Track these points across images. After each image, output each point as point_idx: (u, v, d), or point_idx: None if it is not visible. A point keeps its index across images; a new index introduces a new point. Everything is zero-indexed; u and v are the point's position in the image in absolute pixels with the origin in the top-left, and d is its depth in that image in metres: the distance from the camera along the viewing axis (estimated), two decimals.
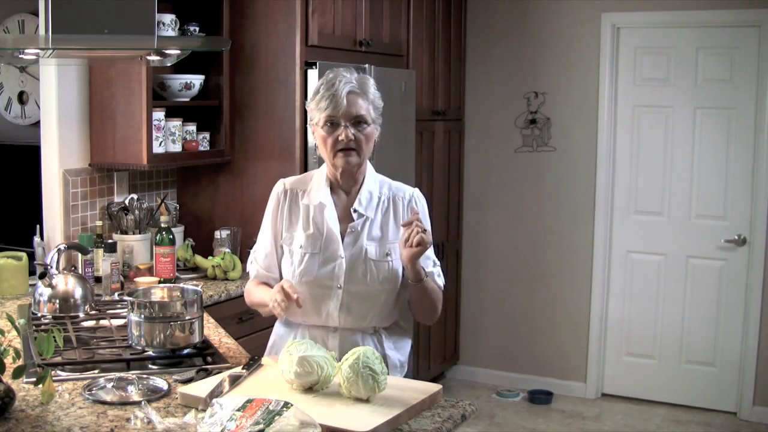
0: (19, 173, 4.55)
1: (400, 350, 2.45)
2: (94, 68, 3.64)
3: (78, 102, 3.65)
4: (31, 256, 3.47)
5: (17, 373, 1.91)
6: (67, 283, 2.83)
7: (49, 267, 2.86)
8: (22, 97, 4.90)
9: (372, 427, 1.79)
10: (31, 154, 3.86)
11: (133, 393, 2.06)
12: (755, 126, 4.73)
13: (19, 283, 3.31)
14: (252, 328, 3.44)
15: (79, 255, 3.36)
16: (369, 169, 2.39)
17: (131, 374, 2.18)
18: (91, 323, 2.75)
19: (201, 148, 3.87)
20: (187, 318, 2.30)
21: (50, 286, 2.81)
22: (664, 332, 5.06)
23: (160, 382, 2.13)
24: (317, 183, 2.38)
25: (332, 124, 2.26)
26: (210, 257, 3.71)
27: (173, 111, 3.75)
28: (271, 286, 2.36)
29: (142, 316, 2.28)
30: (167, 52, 3.01)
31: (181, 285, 2.80)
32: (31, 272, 3.37)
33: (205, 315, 2.68)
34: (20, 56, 2.83)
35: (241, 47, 3.88)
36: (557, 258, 5.26)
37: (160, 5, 2.95)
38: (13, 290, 3.27)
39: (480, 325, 5.53)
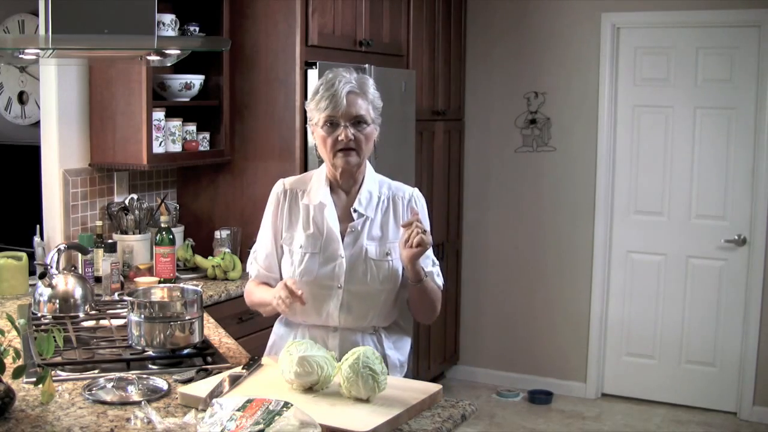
0: (19, 173, 4.55)
1: (399, 350, 2.45)
2: (94, 68, 3.64)
3: (78, 102, 3.65)
4: (31, 256, 3.47)
5: (17, 373, 1.91)
6: (67, 283, 2.83)
7: (49, 267, 2.86)
8: (22, 97, 4.90)
9: (372, 427, 1.79)
10: (31, 154, 3.86)
11: (133, 393, 2.06)
12: (755, 126, 4.73)
13: (19, 283, 3.31)
14: (252, 328, 3.44)
15: (79, 255, 3.36)
16: (368, 169, 2.39)
17: (131, 374, 2.18)
18: (91, 323, 2.75)
19: (201, 148, 3.87)
20: (187, 318, 2.30)
21: (50, 286, 2.81)
22: (664, 332, 5.06)
23: (160, 382, 2.13)
24: (317, 183, 2.38)
25: (332, 124, 2.26)
26: (210, 257, 3.71)
27: (173, 111, 3.75)
28: (271, 286, 2.37)
29: (142, 316, 2.28)
30: (167, 52, 3.01)
31: (181, 285, 2.80)
32: (31, 272, 3.37)
33: (205, 315, 2.69)
34: (20, 56, 2.83)
35: (241, 47, 3.88)
36: (557, 258, 5.26)
37: (160, 5, 2.95)
38: (13, 290, 3.27)
39: (480, 325, 5.53)
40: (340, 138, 2.25)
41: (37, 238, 3.56)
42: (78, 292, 2.84)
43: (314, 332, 2.37)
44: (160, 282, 3.35)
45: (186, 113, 3.83)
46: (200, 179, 4.09)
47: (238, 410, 1.73)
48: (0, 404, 1.87)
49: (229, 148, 3.96)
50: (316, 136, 2.33)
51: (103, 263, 3.30)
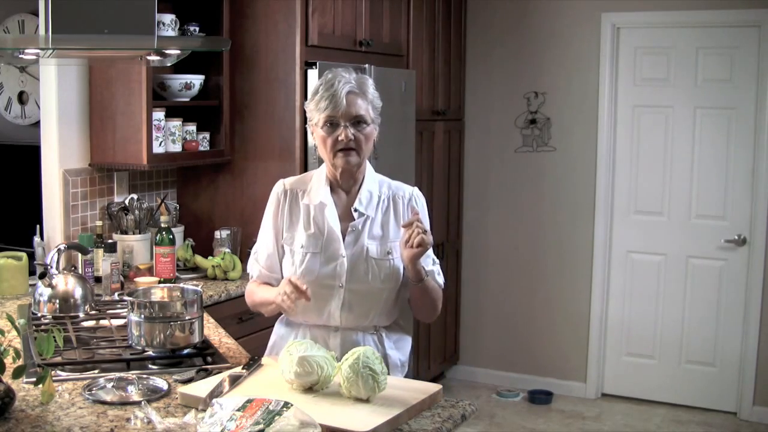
0: (19, 173, 4.55)
1: (400, 350, 2.45)
2: (94, 68, 3.64)
3: (78, 102, 3.65)
4: (31, 256, 3.47)
5: (17, 373, 1.91)
6: (67, 283, 2.83)
7: (49, 267, 2.86)
8: (22, 97, 4.90)
9: (372, 427, 1.79)
10: (31, 154, 3.86)
11: (133, 393, 2.06)
12: (755, 126, 4.73)
13: (19, 283, 3.31)
14: (252, 328, 3.44)
15: (79, 255, 3.36)
16: (368, 168, 2.40)
17: (131, 374, 2.18)
18: (91, 323, 2.75)
19: (201, 148, 3.87)
20: (187, 318, 2.30)
21: (50, 286, 2.81)
22: (664, 332, 5.06)
23: (160, 382, 2.13)
24: (317, 183, 2.39)
25: (332, 124, 2.27)
26: (210, 257, 3.71)
27: (173, 111, 3.75)
28: (273, 287, 2.36)
29: (142, 316, 2.28)
30: (167, 52, 3.01)
31: (181, 285, 2.80)
32: (31, 272, 3.37)
33: (205, 315, 2.68)
34: (20, 56, 2.82)
35: (241, 47, 3.88)
36: (557, 258, 5.26)
37: (160, 5, 2.95)
38: (13, 290, 3.27)
39: (480, 325, 5.53)
40: (340, 138, 2.26)
41: (37, 238, 3.56)
42: (78, 292, 2.84)
43: (315, 332, 2.37)
44: (160, 282, 3.35)
45: (186, 113, 3.83)
46: (200, 179, 4.09)
47: (238, 410, 1.73)
48: (0, 404, 1.87)
49: (229, 148, 3.96)
50: (315, 136, 2.33)
51: (103, 263, 3.29)
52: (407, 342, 2.49)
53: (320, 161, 2.42)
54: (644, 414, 4.96)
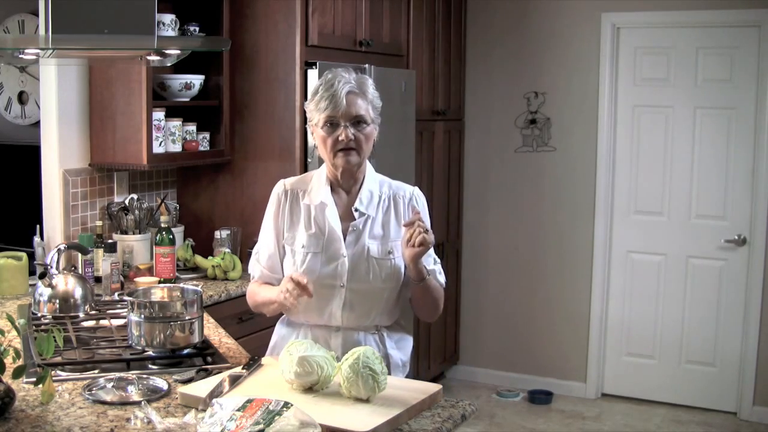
0: (19, 173, 4.55)
1: (402, 350, 2.46)
2: (94, 68, 3.64)
3: (78, 102, 3.65)
4: (31, 256, 3.47)
5: (17, 373, 1.91)
6: (67, 283, 2.83)
7: (49, 267, 2.86)
8: (22, 97, 4.90)
9: (372, 427, 1.79)
10: (31, 154, 3.86)
11: (133, 393, 2.06)
12: (755, 126, 4.73)
13: (19, 283, 3.31)
14: (252, 328, 3.44)
15: (79, 255, 3.36)
16: (369, 168, 2.40)
17: (131, 374, 2.18)
18: (91, 323, 2.75)
19: (201, 148, 3.87)
20: (187, 318, 2.30)
21: (50, 286, 2.81)
22: (664, 332, 5.06)
23: (160, 382, 2.13)
24: (317, 183, 2.39)
25: (332, 124, 2.27)
26: (210, 257, 3.71)
27: (173, 111, 3.75)
28: (275, 286, 2.36)
29: (142, 316, 2.28)
30: (167, 52, 3.01)
31: (181, 285, 2.80)
32: (31, 272, 3.37)
33: (205, 315, 2.68)
34: (20, 56, 2.82)
35: (241, 47, 3.88)
36: (557, 258, 5.26)
37: (160, 5, 2.95)
38: (13, 290, 3.27)
39: (480, 325, 5.53)
40: (340, 138, 2.26)
41: (37, 238, 3.56)
42: (78, 292, 2.84)
43: (316, 332, 2.37)
44: (160, 282, 3.35)
45: (186, 113, 3.83)
46: (200, 179, 4.09)
47: (238, 410, 1.73)
48: (0, 404, 1.87)
49: (229, 148, 3.96)
50: (316, 136, 2.33)
51: (103, 263, 3.29)
52: (408, 342, 2.49)
53: (320, 161, 2.42)
54: (644, 414, 4.96)
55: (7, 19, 4.73)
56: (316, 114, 2.29)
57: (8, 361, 1.91)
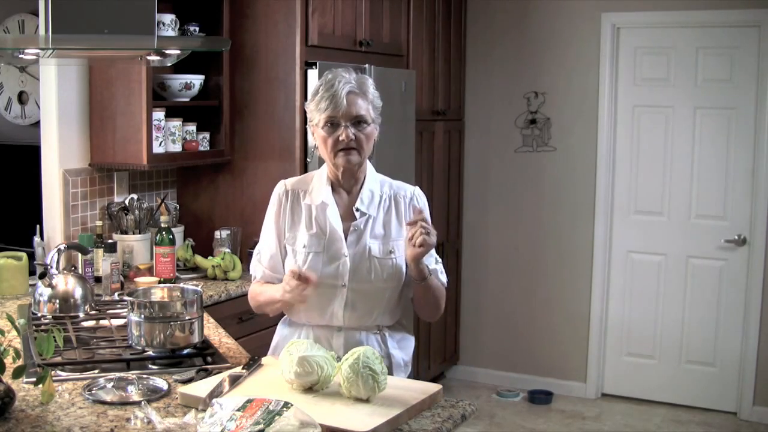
0: (19, 173, 4.55)
1: (404, 350, 2.46)
2: (94, 68, 3.64)
3: (78, 102, 3.65)
4: (31, 256, 3.46)
5: (17, 373, 1.91)
6: (67, 283, 2.83)
7: (49, 267, 2.86)
8: (22, 97, 4.90)
9: (372, 427, 1.79)
10: (31, 154, 3.86)
11: (133, 393, 2.06)
12: (755, 126, 4.73)
13: (19, 283, 3.31)
14: (252, 328, 3.44)
15: (79, 255, 3.36)
16: (369, 168, 2.40)
17: (131, 374, 2.18)
18: (91, 323, 2.75)
19: (201, 148, 3.87)
20: (187, 318, 2.30)
21: (50, 286, 2.81)
22: (664, 332, 5.06)
23: (160, 382, 2.12)
24: (318, 183, 2.39)
25: (332, 124, 2.27)
26: (210, 257, 3.71)
27: (173, 111, 3.75)
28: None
29: (142, 316, 2.28)
30: (167, 52, 3.01)
31: (181, 285, 2.80)
32: (31, 272, 3.37)
33: (205, 315, 2.68)
34: (20, 56, 2.82)
35: (241, 47, 3.88)
36: (557, 258, 5.26)
37: (160, 5, 2.95)
38: (13, 290, 3.27)
39: (480, 325, 5.53)
40: (340, 138, 2.26)
41: (37, 238, 3.55)
42: (78, 292, 2.84)
43: (318, 332, 2.37)
44: (160, 282, 3.35)
45: (186, 113, 3.83)
46: (200, 179, 4.09)
47: (238, 410, 1.73)
48: (0, 404, 1.87)
49: (229, 148, 3.96)
50: (316, 136, 2.33)
51: (103, 263, 3.29)
52: (410, 342, 2.50)
53: (320, 161, 2.42)
54: (644, 414, 4.96)
55: (7, 19, 4.73)
56: (316, 114, 2.29)
57: (8, 361, 1.91)
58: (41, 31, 2.73)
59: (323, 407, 1.91)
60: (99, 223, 3.58)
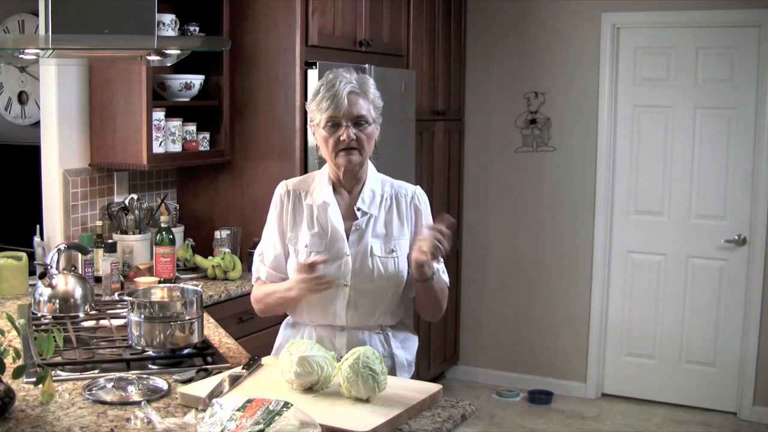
0: (19, 173, 4.55)
1: (407, 350, 2.46)
2: (94, 68, 3.64)
3: (78, 102, 3.65)
4: (31, 256, 3.46)
5: (17, 373, 1.91)
6: (67, 283, 2.83)
7: (49, 267, 2.86)
8: (22, 97, 4.90)
9: (372, 427, 1.79)
10: (31, 154, 3.86)
11: (133, 393, 2.06)
12: (755, 126, 4.73)
13: (19, 283, 3.31)
14: (252, 328, 3.44)
15: (79, 255, 3.36)
16: (370, 168, 2.40)
17: (131, 374, 2.18)
18: (91, 323, 2.75)
19: (201, 148, 3.87)
20: (187, 318, 2.30)
21: (50, 286, 2.81)
22: (664, 332, 5.06)
23: (160, 382, 2.12)
24: (319, 183, 2.39)
25: (333, 124, 2.27)
26: (210, 257, 3.70)
27: (173, 111, 3.75)
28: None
29: (142, 316, 2.28)
30: (167, 52, 3.01)
31: (181, 285, 2.80)
32: (31, 272, 3.37)
33: (205, 315, 2.68)
34: (20, 56, 2.83)
35: (241, 47, 3.88)
36: (557, 258, 5.26)
37: (160, 5, 2.96)
38: (13, 290, 3.27)
39: (480, 325, 5.53)
40: (342, 138, 2.26)
41: (37, 238, 3.55)
42: (78, 292, 2.84)
43: (321, 332, 2.37)
44: (160, 282, 3.35)
45: (186, 113, 3.83)
46: (200, 179, 4.09)
47: (238, 410, 1.73)
48: (0, 404, 1.87)
49: (229, 148, 3.96)
50: (317, 136, 2.33)
51: (103, 263, 3.29)
52: (414, 342, 2.50)
53: (320, 162, 2.42)
54: (644, 414, 4.96)
55: (7, 19, 4.73)
56: (317, 114, 2.29)
57: (8, 361, 1.91)
58: (41, 31, 2.73)
59: (323, 407, 1.91)
60: (99, 223, 3.58)
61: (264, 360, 2.26)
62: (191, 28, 3.71)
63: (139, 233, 3.68)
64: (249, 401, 1.76)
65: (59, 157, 3.57)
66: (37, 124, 3.93)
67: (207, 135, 3.92)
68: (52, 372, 2.12)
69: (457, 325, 5.54)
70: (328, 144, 2.29)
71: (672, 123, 4.94)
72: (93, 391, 2.06)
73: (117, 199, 3.81)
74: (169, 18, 3.56)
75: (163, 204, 3.79)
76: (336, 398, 1.97)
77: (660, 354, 5.08)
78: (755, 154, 4.74)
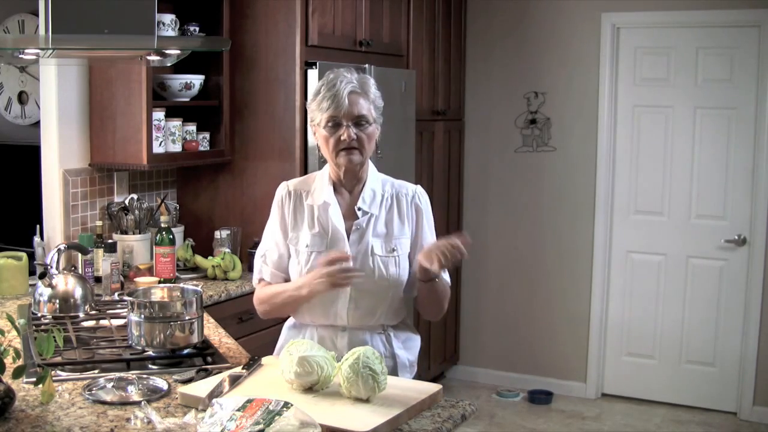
0: (19, 173, 4.55)
1: (409, 350, 2.46)
2: (94, 68, 3.64)
3: (78, 102, 3.65)
4: (31, 256, 3.46)
5: (17, 373, 1.91)
6: (67, 283, 2.83)
7: (49, 267, 2.86)
8: (22, 97, 4.90)
9: (372, 427, 1.79)
10: (31, 154, 3.86)
11: (133, 393, 2.06)
12: (755, 126, 4.73)
13: (19, 283, 3.31)
14: (252, 328, 3.44)
15: (79, 255, 3.36)
16: (371, 167, 2.40)
17: (131, 374, 2.18)
18: (91, 323, 2.75)
19: (201, 148, 3.87)
20: (187, 318, 2.30)
21: (50, 286, 2.81)
22: (664, 332, 5.06)
23: (160, 382, 2.12)
24: (320, 183, 2.39)
25: (334, 124, 2.27)
26: (210, 257, 3.70)
27: (173, 111, 3.75)
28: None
29: (142, 316, 2.28)
30: (167, 52, 3.01)
31: (181, 285, 2.80)
32: (31, 272, 3.37)
33: (205, 315, 2.68)
34: (20, 56, 2.83)
35: (241, 47, 3.88)
36: (557, 258, 5.26)
37: (160, 5, 2.95)
38: (13, 290, 3.27)
39: (480, 325, 5.53)
40: (342, 138, 2.26)
41: (37, 238, 3.55)
42: (78, 292, 2.84)
43: (323, 332, 2.37)
44: (160, 282, 3.35)
45: (186, 113, 3.83)
46: (200, 179, 4.09)
47: (238, 410, 1.73)
48: (0, 404, 1.87)
49: (229, 148, 3.96)
50: (318, 136, 2.33)
51: (103, 263, 3.29)
52: (416, 342, 2.50)
53: (321, 162, 2.42)
54: (644, 414, 4.96)
55: (7, 19, 4.73)
56: (318, 114, 2.29)
57: (8, 361, 1.91)
58: (41, 31, 2.73)
59: (323, 407, 1.91)
60: (99, 223, 3.58)
61: (264, 360, 2.26)
62: (191, 28, 3.71)
63: (139, 233, 3.68)
64: (249, 401, 1.76)
65: (59, 157, 3.57)
66: (37, 124, 3.93)
67: (207, 135, 3.92)
68: (52, 372, 2.12)
69: (457, 325, 5.54)
70: (329, 144, 2.29)
71: (672, 123, 4.94)
72: (93, 391, 2.06)
73: (117, 199, 3.81)
74: (169, 18, 3.56)
75: (163, 204, 3.79)
76: (336, 398, 1.97)
77: (660, 354, 5.08)
78: (755, 154, 4.74)
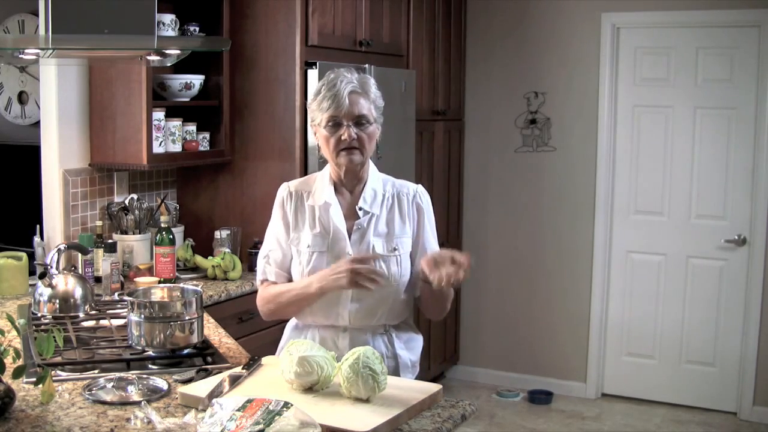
0: (19, 173, 4.55)
1: (411, 350, 2.46)
2: (94, 68, 3.64)
3: (78, 102, 3.65)
4: (31, 256, 3.46)
5: (17, 373, 1.91)
6: (67, 283, 2.83)
7: (49, 267, 2.86)
8: (22, 97, 4.90)
9: (372, 427, 1.79)
10: (31, 154, 3.86)
11: (133, 393, 2.06)
12: (755, 126, 4.73)
13: (19, 283, 3.31)
14: (252, 328, 3.44)
15: (79, 255, 3.36)
16: (372, 167, 2.40)
17: (131, 374, 2.18)
18: (91, 323, 2.75)
19: (201, 148, 3.87)
20: (186, 318, 2.30)
21: (50, 286, 2.81)
22: (664, 332, 5.06)
23: (160, 382, 2.12)
24: (321, 184, 2.39)
25: (335, 124, 2.27)
26: (210, 257, 3.70)
27: (173, 111, 3.75)
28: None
29: (142, 316, 2.28)
30: (167, 52, 3.01)
31: (181, 285, 2.80)
32: (31, 272, 3.37)
33: (205, 315, 2.68)
34: (20, 56, 2.83)
35: (241, 47, 3.88)
36: (557, 258, 5.26)
37: (160, 5, 2.96)
38: (13, 290, 3.27)
39: (480, 325, 5.53)
40: (343, 137, 2.26)
41: (37, 238, 3.55)
42: (78, 292, 2.83)
43: (324, 333, 2.37)
44: (160, 282, 3.35)
45: (186, 113, 3.83)
46: (200, 179, 4.09)
47: (238, 410, 1.73)
48: (0, 404, 1.87)
49: (229, 148, 3.96)
50: (318, 136, 2.33)
51: (103, 263, 3.29)
52: (418, 342, 2.49)
53: (321, 162, 2.42)
54: (644, 414, 4.96)
55: (7, 19, 4.73)
56: (318, 114, 2.29)
57: (8, 361, 1.90)
58: (41, 31, 2.73)
59: (323, 407, 1.91)
60: (99, 223, 3.58)
61: (264, 360, 2.26)
62: (191, 28, 3.71)
63: (139, 233, 3.68)
64: (249, 401, 1.76)
65: (59, 157, 3.57)
66: (37, 124, 3.93)
67: (207, 135, 3.92)
68: (52, 372, 2.12)
69: (457, 325, 5.54)
70: (330, 144, 2.29)
71: (672, 123, 4.94)
72: (93, 391, 2.06)
73: (117, 199, 3.81)
74: (169, 18, 3.56)
75: (163, 204, 3.79)
76: (336, 398, 1.97)
77: (660, 354, 5.08)
78: (755, 154, 4.74)
